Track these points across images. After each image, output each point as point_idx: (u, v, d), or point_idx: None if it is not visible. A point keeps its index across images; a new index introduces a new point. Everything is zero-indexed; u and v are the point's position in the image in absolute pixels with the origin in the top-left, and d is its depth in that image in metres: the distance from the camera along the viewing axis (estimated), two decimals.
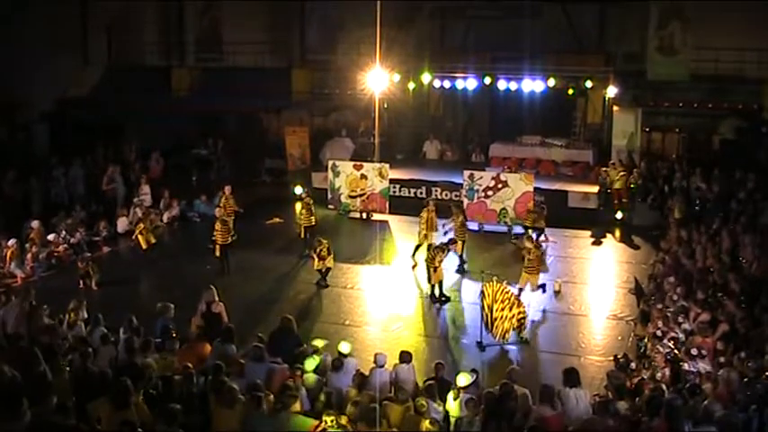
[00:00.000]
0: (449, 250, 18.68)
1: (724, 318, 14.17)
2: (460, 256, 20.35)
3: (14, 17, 28.28)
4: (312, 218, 21.91)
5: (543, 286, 18.21)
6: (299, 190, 26.39)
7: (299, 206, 22.60)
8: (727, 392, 10.85)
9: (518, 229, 23.67)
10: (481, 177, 24.75)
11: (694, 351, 12.85)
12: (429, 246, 19.34)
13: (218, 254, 20.31)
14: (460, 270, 20.23)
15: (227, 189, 22.97)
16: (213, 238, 20.38)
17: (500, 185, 24.29)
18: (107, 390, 10.20)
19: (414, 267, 20.59)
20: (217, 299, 14.86)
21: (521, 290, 17.40)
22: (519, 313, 15.87)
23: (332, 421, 10.19)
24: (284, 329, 14.33)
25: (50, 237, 21.06)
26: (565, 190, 26.00)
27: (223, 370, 11.42)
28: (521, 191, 24.03)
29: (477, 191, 24.57)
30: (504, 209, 24.18)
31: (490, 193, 24.39)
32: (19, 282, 19.34)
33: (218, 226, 20.34)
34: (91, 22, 34.32)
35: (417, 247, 20.84)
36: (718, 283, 16.22)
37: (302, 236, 21.74)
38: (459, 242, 20.16)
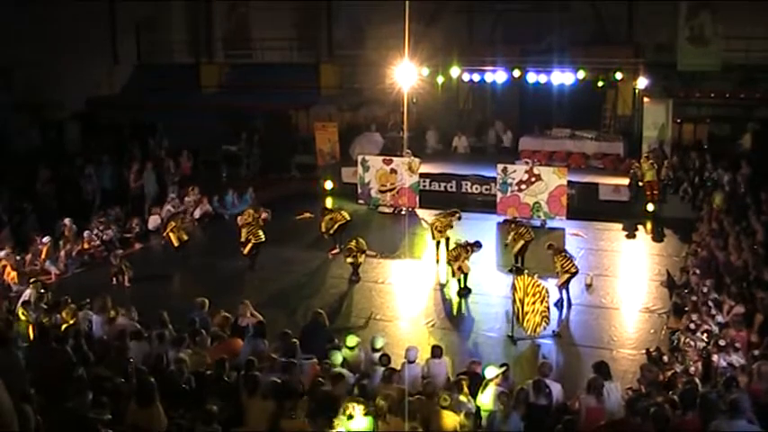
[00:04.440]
0: (473, 251, 18.52)
1: (761, 310, 14.04)
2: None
3: (44, 18, 28.54)
4: (345, 213, 21.78)
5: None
6: (328, 185, 26.54)
7: (328, 217, 22.19)
8: (763, 386, 10.74)
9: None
10: (514, 171, 24.63)
11: (725, 343, 12.76)
12: (455, 244, 19.14)
13: (246, 252, 20.39)
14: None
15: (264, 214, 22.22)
16: (244, 240, 20.45)
17: (533, 179, 24.16)
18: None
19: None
20: (248, 314, 14.79)
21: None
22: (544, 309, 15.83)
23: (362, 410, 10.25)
24: (316, 324, 14.39)
25: (85, 234, 21.22)
26: (596, 182, 25.85)
27: (255, 365, 11.51)
28: (554, 184, 23.92)
29: (511, 184, 24.46)
30: (537, 203, 24.07)
31: (523, 186, 24.27)
32: (53, 278, 19.52)
33: (247, 229, 20.48)
34: (119, 22, 34.62)
35: (438, 244, 20.77)
36: (752, 275, 16.08)
37: (331, 233, 21.61)
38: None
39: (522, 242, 19.72)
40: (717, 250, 17.99)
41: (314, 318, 14.60)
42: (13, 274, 18.58)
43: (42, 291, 16.42)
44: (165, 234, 21.77)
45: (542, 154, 28.77)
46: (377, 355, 13.02)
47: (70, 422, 9.48)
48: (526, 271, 16.21)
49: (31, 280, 17.16)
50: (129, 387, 10.68)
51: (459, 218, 20.81)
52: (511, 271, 17.91)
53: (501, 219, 24.40)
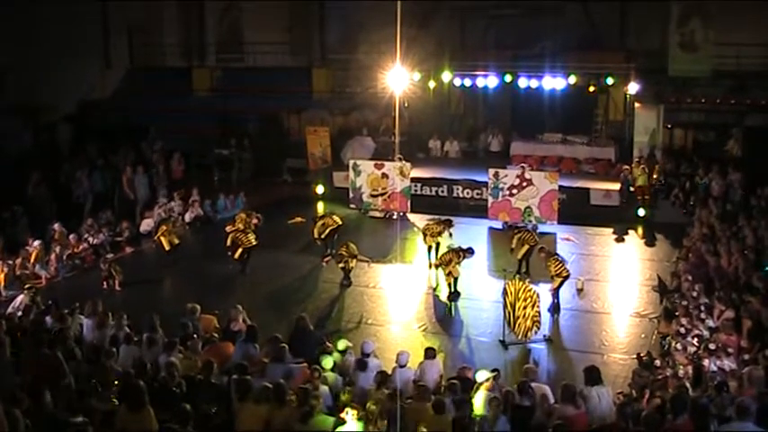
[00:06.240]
0: (465, 257, 18.53)
1: (748, 315, 14.07)
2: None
3: (36, 21, 28.49)
4: (336, 218, 21.77)
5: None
6: (320, 189, 26.56)
7: (320, 223, 21.98)
8: (754, 390, 10.76)
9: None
10: (506, 176, 24.58)
11: (716, 348, 12.78)
12: (447, 248, 19.17)
13: (236, 256, 20.34)
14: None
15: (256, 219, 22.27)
16: (231, 245, 20.40)
17: (524, 183, 24.11)
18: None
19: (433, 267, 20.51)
20: (240, 319, 14.75)
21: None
22: (535, 314, 15.84)
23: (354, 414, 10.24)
24: (301, 328, 14.36)
25: (71, 237, 21.15)
26: (587, 187, 25.91)
27: (247, 369, 11.49)
28: (545, 189, 23.89)
29: (502, 189, 24.42)
30: (528, 207, 24.05)
31: (515, 191, 24.21)
32: (43, 282, 19.44)
33: (235, 234, 20.43)
34: (112, 25, 34.60)
35: (430, 249, 20.82)
36: (742, 280, 16.11)
37: (323, 238, 21.54)
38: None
39: (526, 247, 19.74)
40: (707, 255, 18.02)
41: (297, 322, 14.56)
42: (0, 276, 18.54)
43: (33, 294, 16.38)
44: (156, 238, 21.73)
45: (534, 159, 28.76)
46: (355, 359, 13.04)
47: (59, 426, 9.45)
48: (517, 276, 16.18)
49: (26, 286, 17.09)
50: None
51: (451, 234, 20.81)
52: (519, 274, 18.01)
53: (491, 223, 24.43)
